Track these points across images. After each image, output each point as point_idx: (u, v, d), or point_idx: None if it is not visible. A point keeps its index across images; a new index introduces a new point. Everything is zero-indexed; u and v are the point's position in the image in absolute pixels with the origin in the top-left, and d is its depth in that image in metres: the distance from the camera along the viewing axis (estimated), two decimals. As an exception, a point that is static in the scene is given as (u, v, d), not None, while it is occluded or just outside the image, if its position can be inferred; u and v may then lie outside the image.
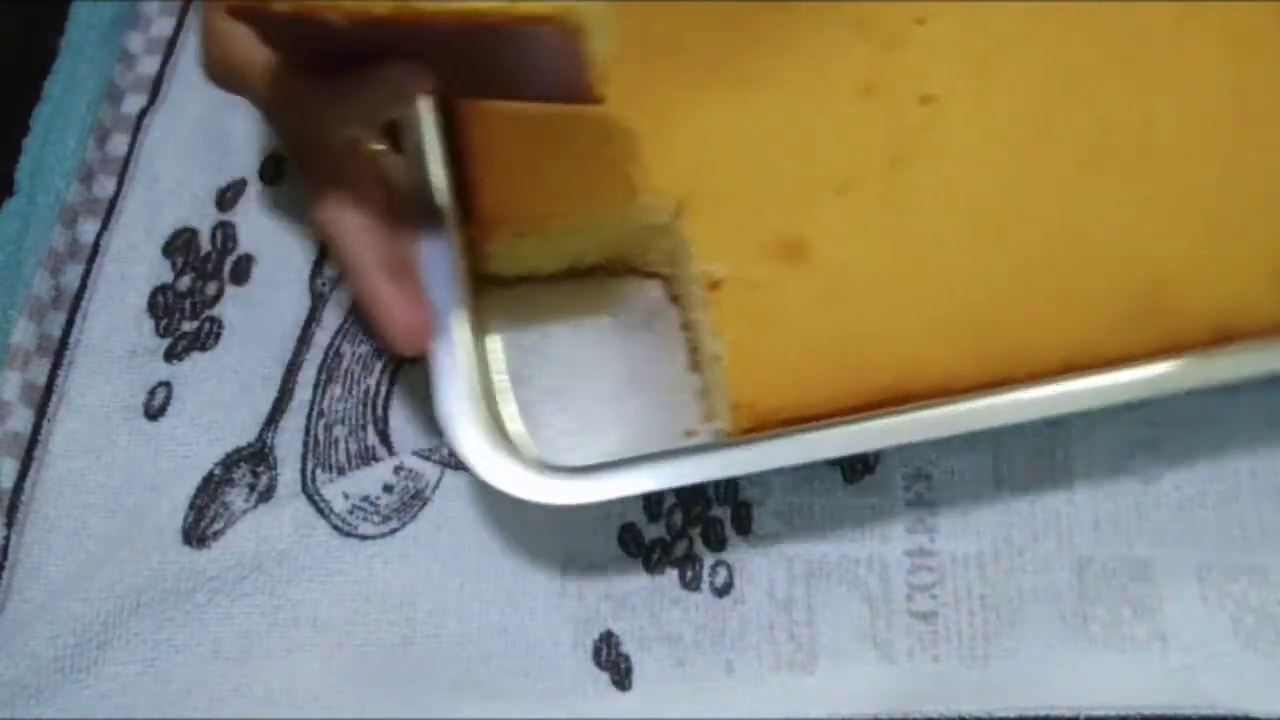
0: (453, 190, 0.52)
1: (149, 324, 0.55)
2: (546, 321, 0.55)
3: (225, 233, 0.57)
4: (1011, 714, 0.49)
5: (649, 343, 0.54)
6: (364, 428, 0.53)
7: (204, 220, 0.57)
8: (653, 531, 0.52)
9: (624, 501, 0.51)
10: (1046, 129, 0.53)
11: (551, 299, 0.55)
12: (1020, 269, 0.50)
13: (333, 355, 0.54)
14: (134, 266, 0.56)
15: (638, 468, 0.47)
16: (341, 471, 0.52)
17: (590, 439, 0.52)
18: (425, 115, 0.52)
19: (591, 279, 0.56)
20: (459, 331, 0.48)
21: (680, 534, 0.52)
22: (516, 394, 0.53)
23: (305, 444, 0.53)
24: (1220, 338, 0.49)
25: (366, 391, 0.54)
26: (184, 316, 0.55)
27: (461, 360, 0.48)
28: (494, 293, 0.55)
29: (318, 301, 0.55)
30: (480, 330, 0.52)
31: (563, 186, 0.51)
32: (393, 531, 0.51)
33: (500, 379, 0.53)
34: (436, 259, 0.49)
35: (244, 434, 0.53)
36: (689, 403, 0.53)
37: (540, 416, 0.53)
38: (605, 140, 0.52)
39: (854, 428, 0.47)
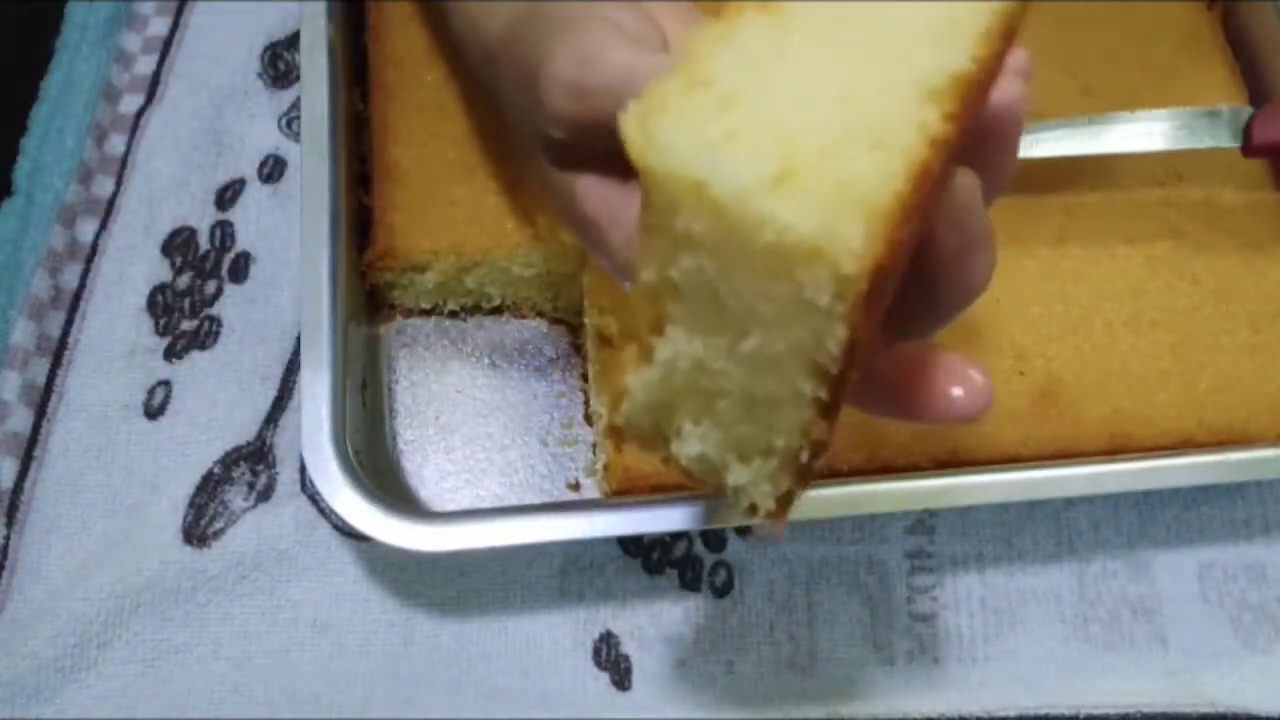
0: (352, 215, 0.52)
1: (148, 323, 0.55)
2: (446, 357, 0.55)
3: (224, 231, 0.57)
4: (1011, 714, 0.49)
5: (548, 390, 0.54)
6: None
7: (202, 219, 0.57)
8: (652, 532, 0.52)
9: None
10: None
11: (454, 335, 0.55)
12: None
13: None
14: (133, 266, 0.56)
15: (486, 521, 0.47)
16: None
17: (471, 481, 0.52)
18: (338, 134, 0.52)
19: (498, 319, 0.56)
20: (324, 370, 0.48)
21: (680, 534, 0.51)
22: (407, 427, 0.53)
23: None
24: (1116, 444, 0.49)
25: (366, 391, 0.54)
26: (183, 315, 0.55)
27: (325, 397, 0.47)
28: (396, 322, 0.55)
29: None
30: (374, 361, 0.53)
31: (468, 225, 0.51)
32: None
33: (394, 410, 0.53)
34: (317, 284, 0.49)
35: (243, 433, 0.53)
36: (580, 454, 0.53)
37: (426, 453, 0.53)
38: (517, 185, 0.52)
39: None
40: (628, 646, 0.50)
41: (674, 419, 0.32)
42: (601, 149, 0.37)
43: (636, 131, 0.26)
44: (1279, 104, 0.55)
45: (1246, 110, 0.53)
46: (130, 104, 0.59)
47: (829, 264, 0.25)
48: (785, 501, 0.32)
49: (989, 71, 0.28)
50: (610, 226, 0.37)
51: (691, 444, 0.32)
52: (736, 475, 0.32)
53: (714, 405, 0.31)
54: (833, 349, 0.27)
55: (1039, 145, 0.53)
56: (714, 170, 0.25)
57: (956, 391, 0.33)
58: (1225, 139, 0.53)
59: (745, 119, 0.26)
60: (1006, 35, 0.29)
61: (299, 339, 0.50)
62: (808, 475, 0.32)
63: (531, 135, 0.38)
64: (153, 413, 0.53)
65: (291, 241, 0.56)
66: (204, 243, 0.57)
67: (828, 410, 0.29)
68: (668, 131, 0.26)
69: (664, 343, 0.30)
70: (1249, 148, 0.53)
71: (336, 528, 0.51)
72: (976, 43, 0.28)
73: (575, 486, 0.52)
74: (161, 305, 0.55)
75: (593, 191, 0.38)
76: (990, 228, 0.32)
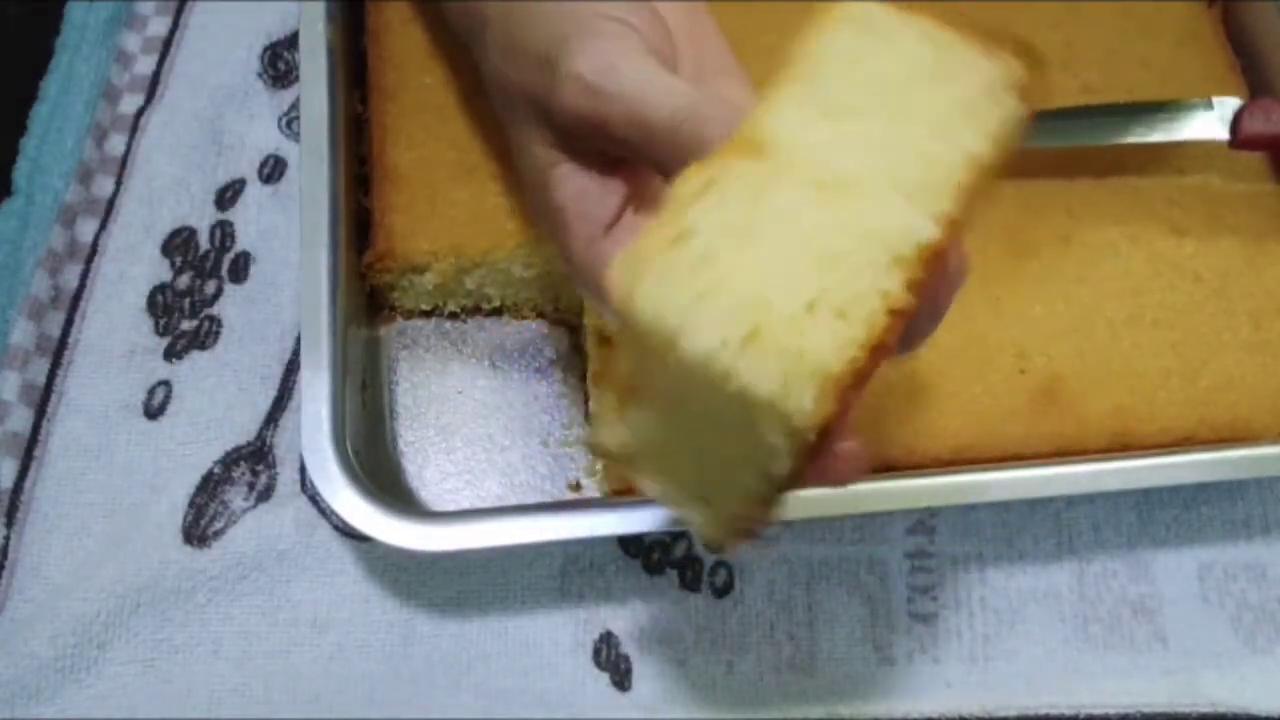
0: (352, 216, 0.52)
1: (148, 323, 0.55)
2: (446, 358, 0.55)
3: (224, 231, 0.57)
4: (1011, 714, 0.49)
5: (549, 391, 0.54)
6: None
7: (202, 219, 0.57)
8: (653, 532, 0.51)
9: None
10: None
11: (454, 336, 0.55)
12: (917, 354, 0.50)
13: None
14: (133, 266, 0.56)
15: (486, 521, 0.47)
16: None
17: (472, 482, 0.52)
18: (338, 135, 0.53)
19: (498, 321, 0.56)
20: (324, 370, 0.48)
21: (680, 534, 0.51)
22: (408, 429, 0.53)
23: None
24: (1117, 442, 0.49)
25: (366, 391, 0.54)
26: (183, 315, 0.55)
27: (325, 397, 0.48)
28: (396, 324, 0.55)
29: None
30: (374, 362, 0.53)
31: (467, 226, 0.51)
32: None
33: (394, 411, 0.53)
34: (317, 285, 0.49)
35: (243, 433, 0.53)
36: (580, 455, 0.53)
37: (427, 454, 0.53)
38: (517, 186, 0.52)
39: None
40: (628, 646, 0.50)
41: (639, 465, 0.35)
42: (595, 146, 0.37)
43: (622, 277, 0.28)
44: (1267, 97, 0.54)
45: (1236, 102, 0.53)
46: (130, 104, 0.59)
47: (782, 420, 0.27)
48: (734, 537, 0.36)
49: (956, 234, 0.30)
50: (576, 220, 0.38)
51: (651, 487, 0.35)
52: (689, 516, 0.35)
53: (670, 466, 0.34)
54: (779, 470, 0.30)
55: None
56: (686, 330, 0.27)
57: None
58: (1214, 131, 0.53)
59: (720, 277, 0.28)
60: (980, 193, 0.30)
61: (299, 339, 0.50)
62: (748, 531, 0.35)
63: (522, 108, 0.39)
64: (153, 413, 0.53)
65: (291, 241, 0.56)
66: (204, 243, 0.57)
67: (768, 495, 0.32)
68: (649, 286, 0.28)
69: (633, 418, 0.33)
70: (1236, 140, 0.53)
71: (336, 528, 0.51)
72: (949, 201, 0.30)
73: (575, 487, 0.52)
74: (161, 305, 0.55)
75: (569, 180, 0.38)
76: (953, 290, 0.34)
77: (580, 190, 0.38)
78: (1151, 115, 0.53)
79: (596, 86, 0.35)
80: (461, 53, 0.55)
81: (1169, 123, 0.53)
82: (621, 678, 0.49)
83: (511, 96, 0.40)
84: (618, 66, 0.36)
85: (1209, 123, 0.53)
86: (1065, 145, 0.53)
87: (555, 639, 0.50)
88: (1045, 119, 0.53)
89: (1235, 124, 0.52)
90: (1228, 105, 0.53)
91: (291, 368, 0.54)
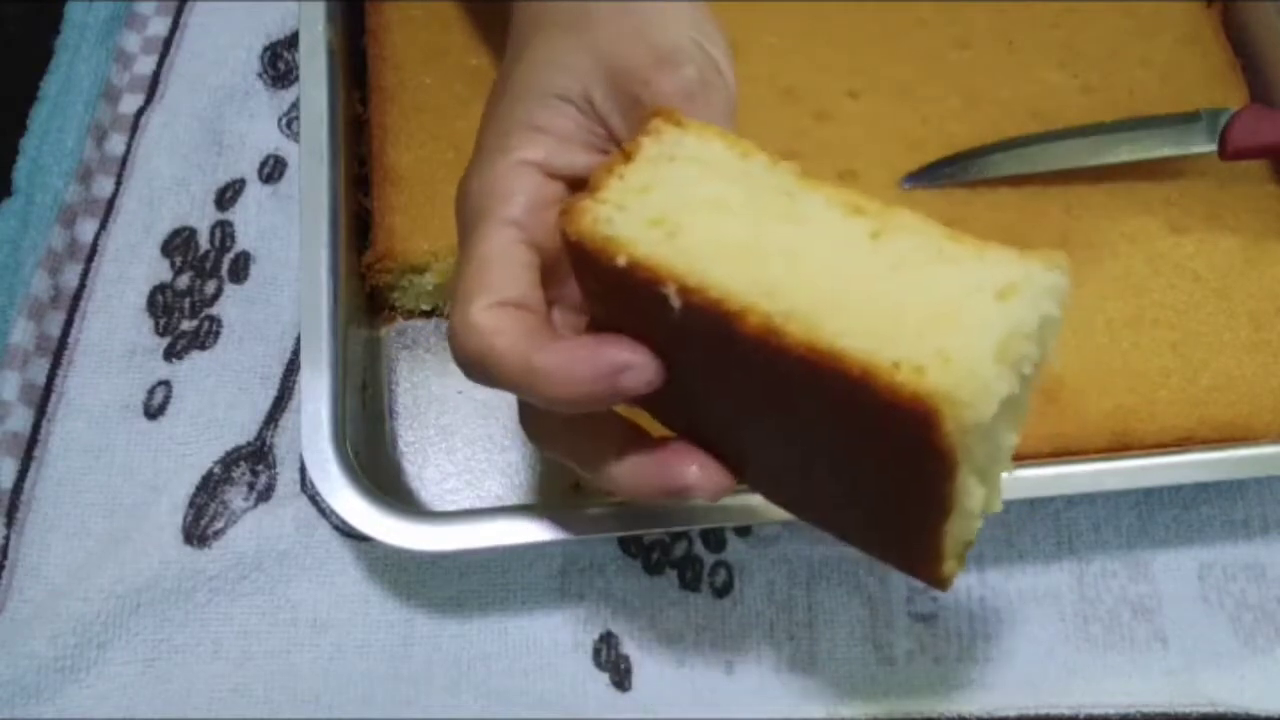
0: (352, 217, 0.52)
1: (148, 323, 0.55)
2: (446, 359, 0.54)
3: (224, 231, 0.57)
4: (1011, 714, 0.49)
5: None
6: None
7: (202, 219, 0.57)
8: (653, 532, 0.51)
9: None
10: (966, 215, 0.53)
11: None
12: None
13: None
14: (133, 266, 0.56)
15: (486, 521, 0.47)
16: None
17: (472, 482, 0.52)
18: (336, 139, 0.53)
19: None
20: (324, 371, 0.48)
21: (680, 535, 0.51)
22: (408, 429, 0.53)
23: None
24: (1117, 441, 0.49)
25: (366, 391, 0.54)
26: (183, 315, 0.55)
27: (325, 397, 0.48)
28: (396, 324, 0.55)
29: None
30: (374, 363, 0.53)
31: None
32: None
33: (394, 411, 0.53)
34: (317, 286, 0.49)
35: (243, 433, 0.53)
36: None
37: (427, 454, 0.53)
38: None
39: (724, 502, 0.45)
40: (628, 646, 0.50)
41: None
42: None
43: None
44: (1256, 104, 0.54)
45: (1225, 112, 0.53)
46: (130, 104, 0.59)
47: None
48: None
49: None
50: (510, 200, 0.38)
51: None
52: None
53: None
54: None
55: (999, 165, 0.54)
56: None
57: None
58: (1202, 143, 0.53)
59: None
60: None
61: (299, 339, 0.50)
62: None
63: (602, 63, 0.39)
64: (153, 413, 0.53)
65: (291, 241, 0.56)
66: (204, 243, 0.57)
67: None
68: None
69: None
70: (1225, 152, 0.52)
71: (336, 528, 0.51)
72: None
73: (576, 487, 0.52)
74: (161, 305, 0.55)
75: (528, 170, 0.38)
76: None
77: (532, 181, 0.38)
78: (1140, 131, 0.53)
79: (694, 110, 0.37)
80: (461, 53, 0.55)
81: (1158, 139, 0.53)
82: (621, 678, 0.49)
83: (583, 43, 0.39)
84: (676, 61, 0.38)
85: (1198, 135, 0.53)
86: (1051, 170, 0.54)
87: (555, 639, 0.50)
88: (1032, 143, 0.54)
89: (1224, 135, 0.52)
90: (1217, 116, 0.53)
91: (291, 368, 0.54)
